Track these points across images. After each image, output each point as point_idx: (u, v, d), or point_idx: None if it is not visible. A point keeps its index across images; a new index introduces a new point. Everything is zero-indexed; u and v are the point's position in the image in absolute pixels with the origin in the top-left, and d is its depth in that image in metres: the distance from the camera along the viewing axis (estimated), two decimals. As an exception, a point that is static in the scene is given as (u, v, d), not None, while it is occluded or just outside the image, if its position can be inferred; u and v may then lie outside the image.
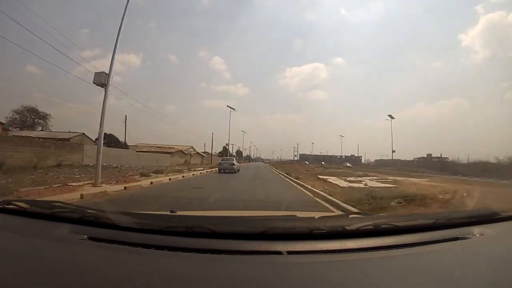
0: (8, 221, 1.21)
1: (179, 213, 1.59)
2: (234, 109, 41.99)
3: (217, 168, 22.37)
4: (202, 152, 53.94)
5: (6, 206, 1.27)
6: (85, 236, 1.03)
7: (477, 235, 1.14)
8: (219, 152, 58.53)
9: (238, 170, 21.99)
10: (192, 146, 49.52)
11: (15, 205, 1.26)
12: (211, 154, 51.07)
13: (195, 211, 2.75)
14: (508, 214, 1.32)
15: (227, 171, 20.78)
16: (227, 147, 51.13)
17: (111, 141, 32.33)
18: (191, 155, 46.16)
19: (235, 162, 23.34)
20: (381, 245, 1.02)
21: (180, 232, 1.05)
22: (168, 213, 1.58)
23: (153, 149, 37.60)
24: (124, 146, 33.29)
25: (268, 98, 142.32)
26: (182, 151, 43.03)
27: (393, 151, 40.42)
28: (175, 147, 43.31)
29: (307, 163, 68.43)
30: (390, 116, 41.01)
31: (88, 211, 1.20)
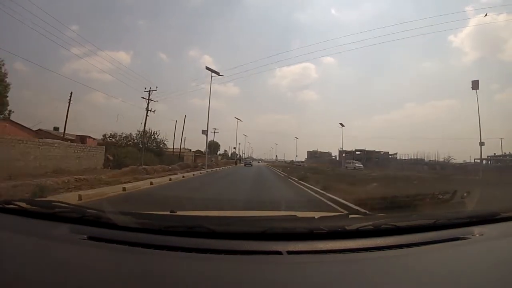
0: (8, 221, 1.20)
1: (179, 213, 1.60)
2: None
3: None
4: (195, 152, 50.73)
5: (6, 206, 1.26)
6: (85, 236, 1.02)
7: (477, 235, 1.14)
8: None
9: (252, 165, 44.24)
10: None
11: (15, 204, 1.26)
12: (208, 154, 49.35)
13: (195, 210, 2.76)
14: (508, 214, 1.31)
15: (248, 165, 42.68)
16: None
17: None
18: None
19: (251, 161, 48.92)
20: (381, 245, 1.02)
21: (180, 232, 1.05)
22: (168, 213, 1.58)
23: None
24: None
25: (260, 98, 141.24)
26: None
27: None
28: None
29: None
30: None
31: (88, 211, 1.20)
